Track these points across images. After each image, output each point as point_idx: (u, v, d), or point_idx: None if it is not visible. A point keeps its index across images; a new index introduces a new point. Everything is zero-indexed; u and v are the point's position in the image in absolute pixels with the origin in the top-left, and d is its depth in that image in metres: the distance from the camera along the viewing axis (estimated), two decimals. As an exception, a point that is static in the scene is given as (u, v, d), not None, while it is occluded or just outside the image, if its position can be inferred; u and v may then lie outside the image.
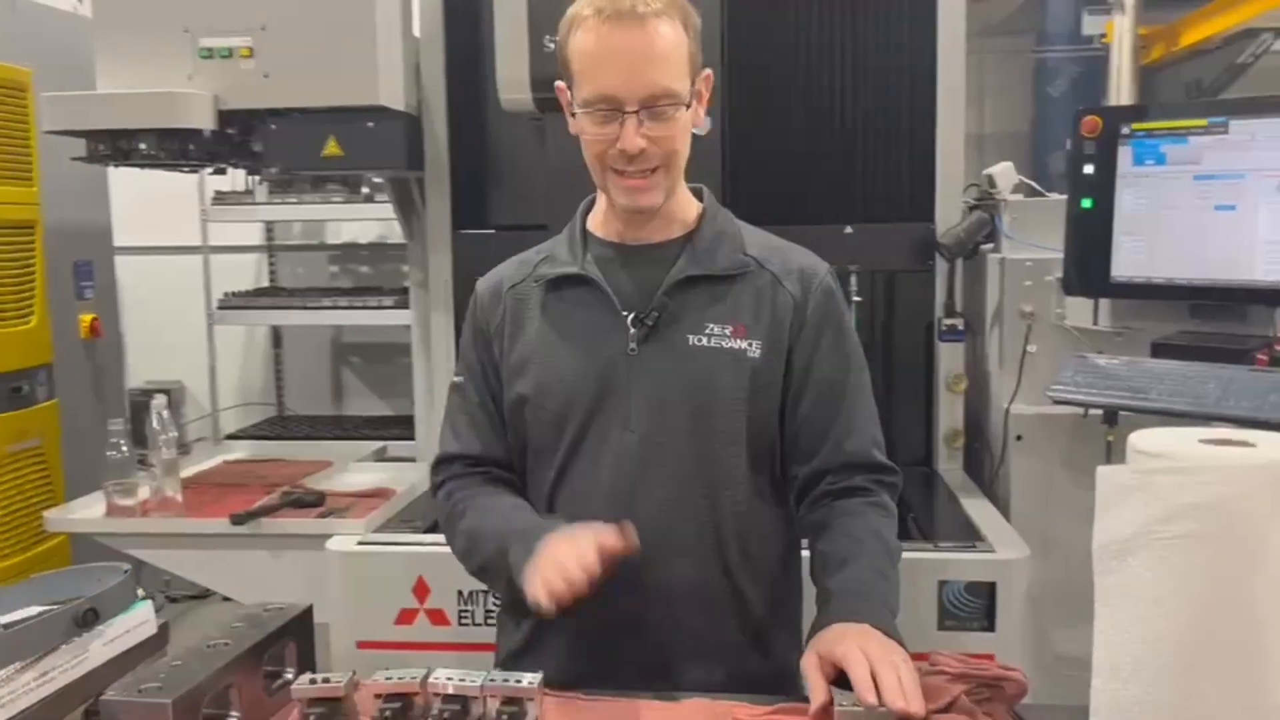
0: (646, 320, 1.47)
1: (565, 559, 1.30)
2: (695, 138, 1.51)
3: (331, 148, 2.41)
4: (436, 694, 1.24)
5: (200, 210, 4.21)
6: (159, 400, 2.48)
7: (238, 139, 2.50)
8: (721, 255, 1.51)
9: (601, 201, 1.55)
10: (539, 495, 1.55)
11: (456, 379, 1.62)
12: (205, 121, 2.40)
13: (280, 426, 4.35)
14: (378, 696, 1.25)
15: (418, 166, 2.61)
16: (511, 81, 2.42)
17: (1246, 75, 8.20)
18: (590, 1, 1.40)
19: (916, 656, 1.31)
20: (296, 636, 1.37)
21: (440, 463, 1.63)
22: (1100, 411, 2.28)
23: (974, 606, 2.11)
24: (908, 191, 2.69)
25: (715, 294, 1.49)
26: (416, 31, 2.69)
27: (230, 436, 4.14)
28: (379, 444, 3.27)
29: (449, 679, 1.24)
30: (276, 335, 4.68)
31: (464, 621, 2.23)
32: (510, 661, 1.57)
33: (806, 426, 1.52)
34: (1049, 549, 2.29)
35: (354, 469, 2.81)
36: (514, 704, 1.24)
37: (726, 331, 1.47)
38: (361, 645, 2.18)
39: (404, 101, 2.52)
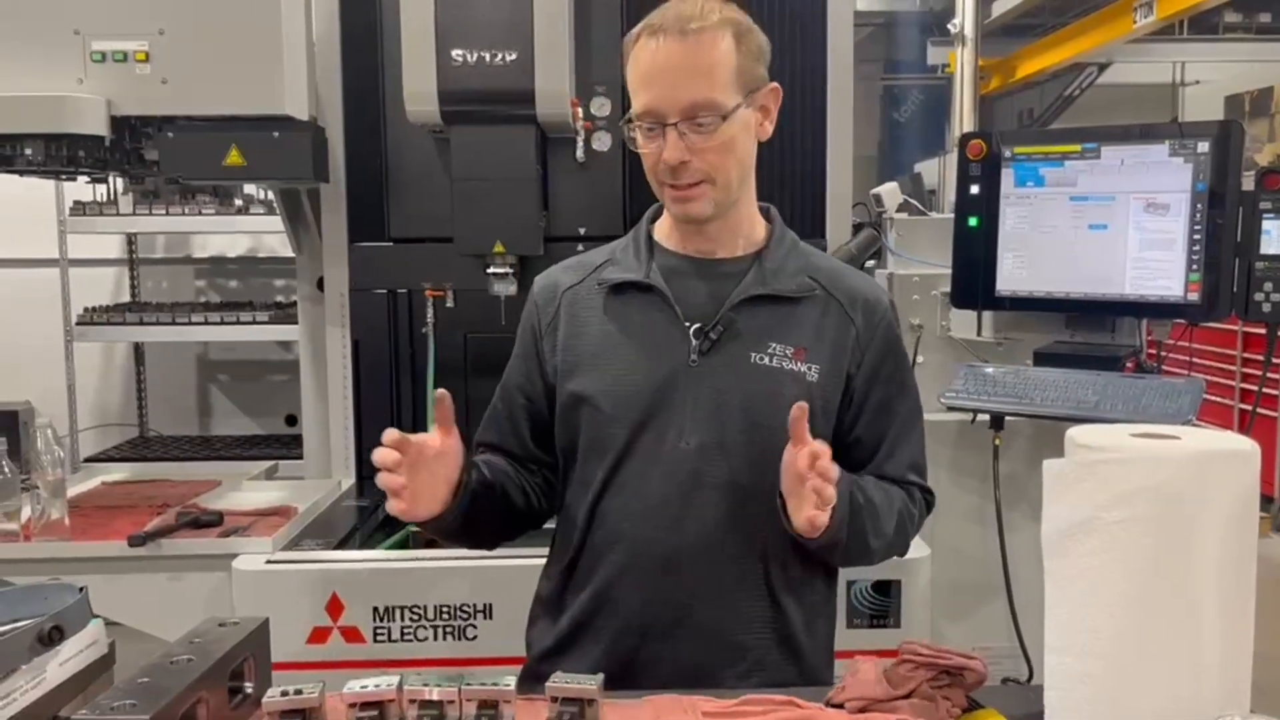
0: (710, 334, 1.48)
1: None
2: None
3: (234, 157, 2.34)
4: (413, 700, 1.24)
5: (58, 221, 4.01)
6: (44, 419, 2.36)
7: (130, 146, 2.41)
8: (789, 276, 1.53)
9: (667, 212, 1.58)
10: (585, 494, 1.53)
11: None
12: (97, 127, 2.30)
13: (144, 448, 4.18)
14: (351, 706, 1.24)
15: (323, 178, 2.57)
16: (418, 94, 2.42)
17: (1073, 106, 8.82)
18: (647, 20, 1.43)
19: (864, 654, 1.41)
20: (255, 651, 1.34)
21: (473, 446, 1.64)
22: (988, 417, 2.43)
23: (880, 604, 2.22)
24: (800, 210, 2.81)
25: (780, 314, 1.51)
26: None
27: (90, 459, 3.95)
28: (266, 463, 3.18)
29: (425, 684, 1.24)
30: (138, 352, 4.49)
31: (380, 638, 2.20)
32: (543, 661, 1.55)
33: (855, 445, 1.56)
34: (937, 549, 2.42)
35: (248, 488, 2.72)
36: (490, 707, 1.25)
37: (788, 352, 1.49)
38: (273, 666, 2.12)
39: (308, 111, 2.47)
